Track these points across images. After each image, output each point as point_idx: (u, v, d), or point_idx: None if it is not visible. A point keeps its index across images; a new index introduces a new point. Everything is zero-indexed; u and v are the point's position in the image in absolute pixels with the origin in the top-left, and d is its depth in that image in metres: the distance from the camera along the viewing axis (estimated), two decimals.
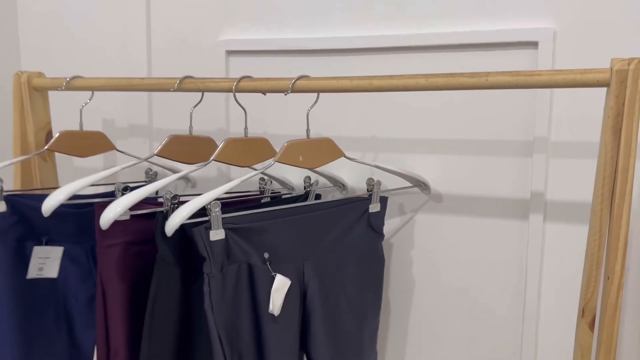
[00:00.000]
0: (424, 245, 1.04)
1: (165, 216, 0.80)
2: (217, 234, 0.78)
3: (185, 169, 0.86)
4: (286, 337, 0.84)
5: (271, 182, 1.06)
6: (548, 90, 0.92)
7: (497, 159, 0.98)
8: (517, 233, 0.98)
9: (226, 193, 0.81)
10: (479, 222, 1.00)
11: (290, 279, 0.84)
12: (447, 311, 1.04)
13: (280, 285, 0.83)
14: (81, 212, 0.99)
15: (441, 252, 1.03)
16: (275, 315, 0.82)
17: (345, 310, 0.91)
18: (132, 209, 0.86)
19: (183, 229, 0.82)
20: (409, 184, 1.00)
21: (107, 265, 0.85)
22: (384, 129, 1.04)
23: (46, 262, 0.97)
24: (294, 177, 1.09)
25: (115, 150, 1.04)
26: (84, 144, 1.01)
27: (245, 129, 0.89)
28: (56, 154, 1.06)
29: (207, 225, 0.78)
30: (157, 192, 1.00)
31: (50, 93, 1.04)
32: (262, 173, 1.05)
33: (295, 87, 0.83)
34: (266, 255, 0.83)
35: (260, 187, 1.05)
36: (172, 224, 0.76)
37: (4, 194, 0.90)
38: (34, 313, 0.95)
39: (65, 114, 1.19)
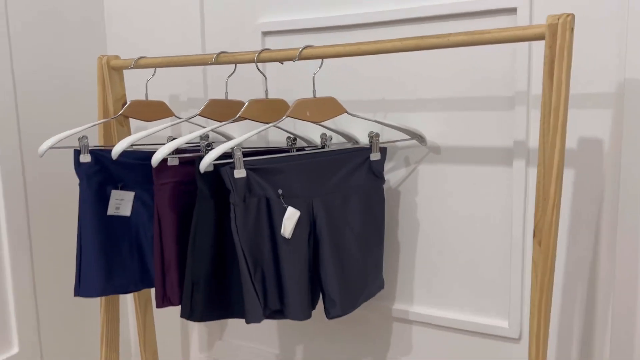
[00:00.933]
0: (426, 192, 1.20)
1: (201, 159, 1.04)
2: (239, 173, 1.00)
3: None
4: (297, 257, 1.04)
5: (296, 140, 1.26)
6: (526, 49, 1.05)
7: (485, 113, 1.11)
8: (504, 178, 1.11)
9: (261, 147, 1.02)
10: (472, 169, 1.14)
11: (301, 212, 1.04)
12: (446, 247, 1.19)
13: (291, 215, 1.04)
14: (147, 164, 1.25)
15: (441, 197, 1.18)
16: (287, 238, 1.03)
17: (350, 240, 1.10)
18: (179, 155, 1.11)
19: (217, 170, 1.05)
20: (407, 137, 1.16)
21: (161, 199, 1.10)
22: (390, 92, 1.21)
23: (121, 203, 1.24)
24: (316, 135, 1.29)
25: (175, 117, 1.30)
26: (149, 110, 1.27)
27: (265, 91, 1.10)
28: (131, 123, 1.34)
29: (232, 165, 1.00)
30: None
31: (126, 71, 1.31)
32: (277, 127, 1.26)
33: (302, 55, 1.03)
34: (280, 191, 1.04)
35: (287, 144, 1.26)
36: (204, 163, 0.99)
37: (89, 148, 1.18)
38: (113, 243, 1.23)
39: (137, 89, 1.47)
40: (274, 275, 1.05)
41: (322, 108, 1.06)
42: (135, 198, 1.25)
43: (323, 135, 1.21)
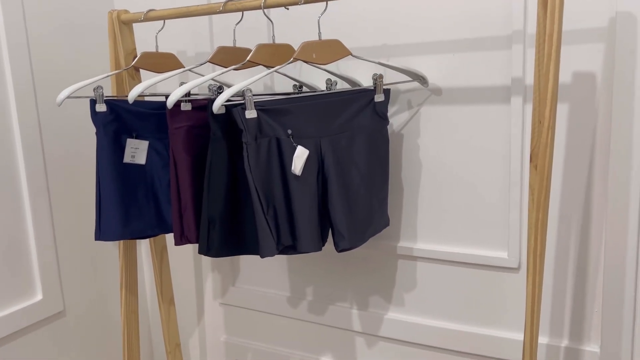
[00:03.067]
0: (429, 133, 1.25)
1: (213, 101, 1.09)
2: (250, 113, 1.05)
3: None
4: (307, 194, 1.10)
5: (302, 87, 1.31)
6: None
7: (483, 54, 1.16)
8: (503, 115, 1.16)
9: (269, 94, 1.06)
10: (472, 109, 1.19)
11: (309, 151, 1.10)
12: (448, 185, 1.25)
13: (300, 153, 1.09)
14: (160, 114, 1.30)
15: (443, 137, 1.24)
16: (297, 174, 1.09)
17: (356, 178, 1.16)
18: (193, 103, 1.16)
19: (228, 112, 1.11)
20: (409, 79, 1.21)
21: (176, 142, 1.15)
22: (392, 37, 1.25)
23: (136, 152, 1.30)
24: (321, 82, 1.33)
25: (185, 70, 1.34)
26: (159, 62, 1.31)
27: (272, 37, 1.15)
28: (141, 75, 1.38)
29: (243, 106, 1.05)
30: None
31: (135, 26, 1.36)
32: (283, 74, 1.31)
33: None
34: (289, 131, 1.09)
35: (294, 91, 1.31)
36: (217, 104, 1.03)
37: (104, 98, 1.23)
38: (130, 189, 1.28)
39: (145, 44, 1.52)
40: (285, 211, 1.11)
41: (328, 50, 1.10)
42: (150, 147, 1.31)
43: (328, 81, 1.26)
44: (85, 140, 1.57)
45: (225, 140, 1.11)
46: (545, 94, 0.88)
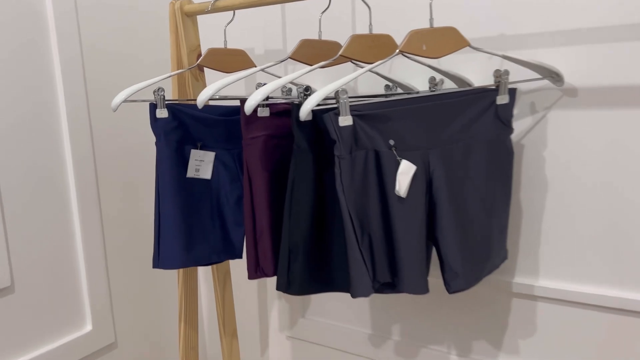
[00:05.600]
0: (558, 143, 1.01)
1: (299, 106, 0.89)
2: (345, 120, 0.84)
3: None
4: (413, 220, 0.88)
5: (396, 87, 1.09)
6: None
7: (635, 44, 0.91)
8: None
9: (360, 98, 0.86)
10: (619, 114, 0.94)
11: (415, 164, 0.87)
12: (584, 209, 1.00)
13: (406, 169, 0.87)
14: (228, 120, 1.11)
15: (577, 149, 0.99)
16: (402, 196, 0.87)
17: (473, 200, 0.93)
18: (271, 108, 0.96)
19: (315, 120, 0.90)
20: (539, 76, 0.97)
21: (251, 154, 0.95)
22: (513, 26, 1.01)
23: (201, 164, 1.11)
24: (418, 82, 1.11)
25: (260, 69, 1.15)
26: (228, 60, 1.12)
27: (369, 25, 0.93)
28: (206, 77, 1.20)
29: (336, 112, 0.84)
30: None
31: (200, 23, 1.17)
32: (384, 77, 1.09)
33: None
34: (391, 142, 0.88)
35: (387, 92, 1.09)
36: (305, 109, 0.83)
37: (165, 102, 1.05)
38: (193, 208, 1.10)
39: (207, 41, 1.34)
40: (384, 241, 0.90)
41: (441, 40, 0.88)
42: (216, 159, 1.12)
43: (432, 80, 1.03)
44: (141, 151, 1.40)
45: (312, 152, 0.91)
46: None
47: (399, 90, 1.10)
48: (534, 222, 1.05)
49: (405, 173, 0.87)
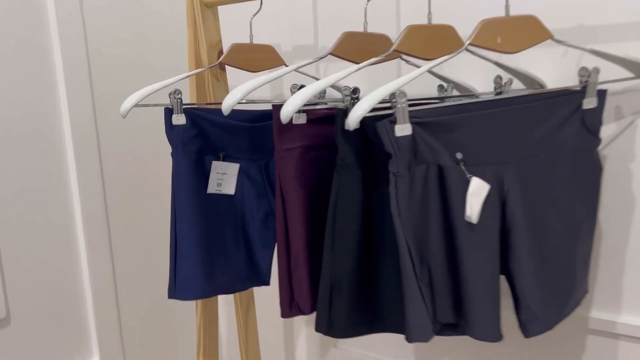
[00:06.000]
0: None
1: (345, 112, 0.73)
2: (403, 129, 0.69)
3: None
4: (485, 251, 0.72)
5: (452, 89, 0.94)
6: None
7: None
8: None
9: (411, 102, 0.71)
10: None
11: (488, 182, 0.72)
12: None
13: (478, 189, 0.71)
14: (255, 127, 0.96)
15: None
16: (474, 222, 0.71)
17: (555, 225, 0.77)
18: (308, 114, 0.81)
19: (363, 128, 0.75)
20: (631, 75, 0.81)
21: (286, 169, 0.80)
22: (597, 15, 0.85)
23: (224, 178, 0.96)
24: (475, 82, 0.95)
25: (284, 67, 1.00)
26: (254, 57, 0.97)
27: (428, 14, 0.78)
28: (228, 77, 1.05)
29: (393, 119, 0.69)
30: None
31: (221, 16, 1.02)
32: (439, 76, 0.93)
33: None
34: (459, 155, 0.72)
35: (441, 94, 0.93)
36: (354, 116, 0.67)
37: (183, 107, 0.90)
38: (214, 229, 0.95)
39: (233, 38, 1.19)
40: (447, 275, 0.74)
41: (520, 32, 0.72)
42: (240, 171, 0.97)
43: (497, 79, 0.87)
44: (155, 163, 1.25)
45: (359, 167, 0.75)
46: None
47: (455, 92, 0.94)
48: (617, 247, 0.89)
49: (476, 194, 0.71)
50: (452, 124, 0.72)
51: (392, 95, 0.69)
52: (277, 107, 0.77)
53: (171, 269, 0.93)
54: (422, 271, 0.74)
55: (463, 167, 0.72)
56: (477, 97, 0.89)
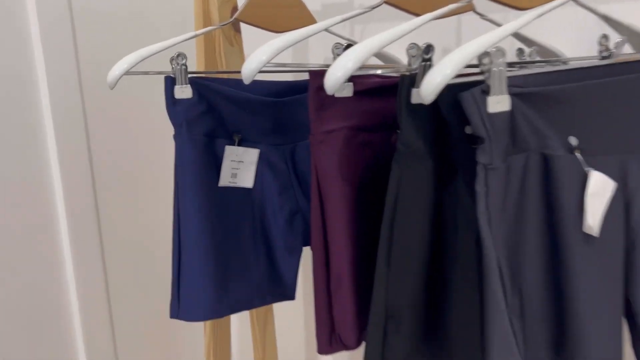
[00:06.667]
0: None
1: (412, 79, 0.53)
2: (499, 102, 0.49)
3: None
4: (606, 272, 0.53)
5: (535, 54, 0.73)
6: None
7: None
8: None
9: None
10: None
11: (612, 178, 0.52)
12: None
13: (600, 187, 0.51)
14: (280, 103, 0.76)
15: None
16: (594, 234, 0.51)
17: None
18: (355, 84, 0.60)
19: (436, 103, 0.54)
20: None
21: (325, 158, 0.60)
22: None
23: (240, 167, 0.76)
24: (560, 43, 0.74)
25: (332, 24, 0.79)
26: (278, 13, 0.77)
27: None
28: (244, 41, 0.84)
29: (485, 88, 0.48)
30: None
31: None
32: (523, 40, 0.72)
33: None
34: (573, 141, 0.52)
35: (519, 59, 0.72)
36: (433, 84, 0.47)
37: (189, 75, 0.70)
38: (228, 231, 0.75)
39: None
40: (549, 307, 0.55)
41: None
42: (260, 159, 0.77)
43: (603, 40, 0.66)
44: (155, 147, 1.05)
45: (431, 158, 0.55)
46: None
47: (538, 58, 0.73)
48: None
49: (598, 194, 0.51)
50: (566, 96, 0.51)
51: (484, 55, 0.49)
52: (317, 74, 0.56)
53: (174, 281, 0.74)
54: (513, 300, 0.54)
55: (580, 157, 0.52)
56: (580, 63, 0.68)
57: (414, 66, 0.54)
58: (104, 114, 0.98)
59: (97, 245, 0.99)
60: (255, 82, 0.78)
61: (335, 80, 0.50)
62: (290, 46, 0.54)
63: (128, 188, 1.04)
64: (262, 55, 0.54)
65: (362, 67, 0.61)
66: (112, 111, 0.98)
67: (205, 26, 0.80)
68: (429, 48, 0.53)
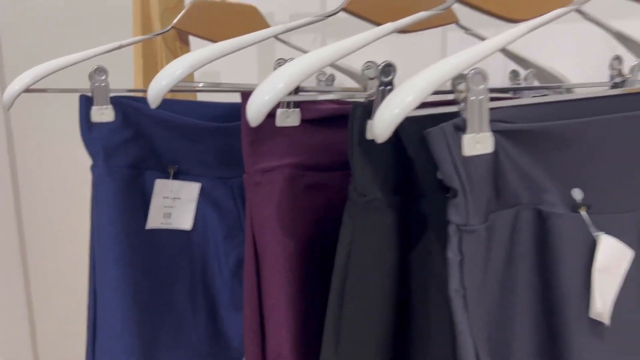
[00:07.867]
0: None
1: (367, 108, 0.40)
2: (478, 142, 0.37)
3: None
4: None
5: (532, 78, 0.60)
6: None
7: None
8: None
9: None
10: None
11: (629, 245, 0.39)
12: None
13: (613, 258, 0.39)
14: (225, 129, 0.64)
15: None
16: (605, 322, 0.38)
17: None
18: (303, 110, 0.47)
19: (399, 138, 0.41)
20: None
21: (261, 204, 0.47)
22: None
23: (176, 204, 0.63)
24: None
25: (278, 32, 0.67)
26: (227, 21, 0.64)
27: None
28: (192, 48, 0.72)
29: (459, 123, 0.36)
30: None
31: None
32: (518, 60, 0.60)
33: None
34: (577, 194, 0.40)
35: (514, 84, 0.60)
36: (388, 118, 0.34)
37: (111, 94, 0.57)
38: (158, 285, 0.62)
39: None
40: None
41: None
42: (202, 195, 0.64)
43: (616, 62, 0.53)
44: (65, 182, 0.92)
45: (392, 208, 0.42)
46: None
47: (536, 83, 0.61)
48: None
49: (611, 268, 0.39)
50: (567, 135, 0.39)
51: (459, 79, 0.36)
52: (246, 96, 0.44)
53: (88, 346, 0.61)
54: None
55: (586, 216, 0.39)
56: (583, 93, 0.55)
57: (371, 91, 0.42)
58: (34, 137, 0.86)
59: (22, 288, 0.87)
60: (198, 104, 0.66)
61: (260, 107, 0.37)
62: (206, 63, 0.42)
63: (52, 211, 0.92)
64: (171, 70, 0.42)
65: (306, 90, 0.49)
66: (37, 130, 0.86)
67: (144, 32, 0.68)
68: (388, 68, 0.41)
